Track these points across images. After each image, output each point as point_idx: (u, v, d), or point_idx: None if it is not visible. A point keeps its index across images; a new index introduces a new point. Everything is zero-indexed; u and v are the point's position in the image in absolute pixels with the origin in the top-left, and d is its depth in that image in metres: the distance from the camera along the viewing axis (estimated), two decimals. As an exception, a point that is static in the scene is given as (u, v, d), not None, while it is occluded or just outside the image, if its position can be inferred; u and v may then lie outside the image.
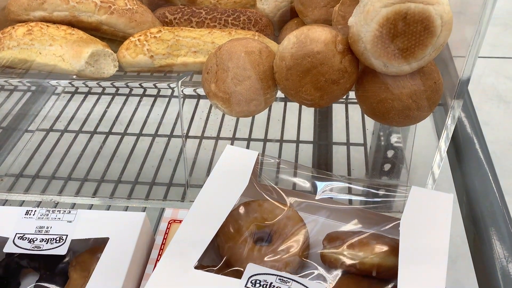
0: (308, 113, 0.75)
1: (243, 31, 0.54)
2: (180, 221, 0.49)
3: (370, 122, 0.73)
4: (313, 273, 0.40)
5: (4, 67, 0.54)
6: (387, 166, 0.69)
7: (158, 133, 0.72)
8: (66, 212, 0.47)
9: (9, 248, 0.44)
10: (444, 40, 0.42)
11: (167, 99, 0.77)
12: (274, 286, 0.36)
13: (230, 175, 0.46)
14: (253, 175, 0.46)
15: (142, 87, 0.55)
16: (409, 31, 0.40)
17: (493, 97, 1.36)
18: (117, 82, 0.55)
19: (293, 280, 0.37)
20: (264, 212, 0.45)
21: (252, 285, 0.36)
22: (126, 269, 0.42)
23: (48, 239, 0.45)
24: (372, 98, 0.46)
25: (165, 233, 0.48)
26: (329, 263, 0.41)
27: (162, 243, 0.47)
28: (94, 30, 0.55)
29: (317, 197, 0.46)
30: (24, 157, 0.69)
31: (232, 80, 0.46)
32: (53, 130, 0.73)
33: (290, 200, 0.47)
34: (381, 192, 0.46)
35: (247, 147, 0.69)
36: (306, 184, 0.48)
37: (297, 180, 0.48)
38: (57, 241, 0.45)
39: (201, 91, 0.51)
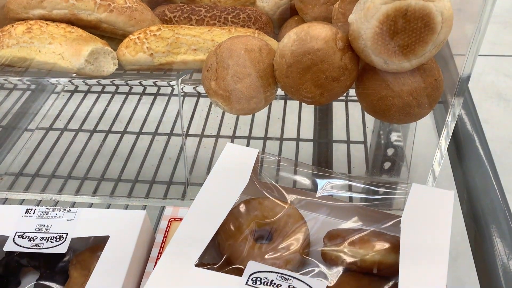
0: (308, 111, 0.75)
1: (243, 29, 0.54)
2: (181, 219, 0.49)
3: (370, 120, 0.73)
4: (314, 270, 0.40)
5: (4, 66, 0.54)
6: (387, 164, 0.69)
7: (158, 132, 0.72)
8: (66, 211, 0.47)
9: (9, 247, 0.44)
10: (445, 37, 0.41)
11: (166, 97, 0.77)
12: (275, 283, 0.36)
13: (230, 173, 0.46)
14: (253, 173, 0.46)
15: (142, 85, 0.55)
16: (409, 28, 0.40)
17: (493, 95, 1.36)
18: (116, 80, 0.55)
19: (294, 277, 0.37)
20: (264, 210, 0.45)
21: (253, 283, 0.36)
22: (126, 268, 0.42)
23: (48, 237, 0.45)
24: (372, 96, 0.46)
25: (166, 231, 0.48)
26: (330, 261, 0.41)
27: (162, 241, 0.47)
28: (93, 28, 0.55)
29: (317, 195, 0.46)
30: (24, 156, 0.69)
31: (232, 77, 0.46)
32: (53, 129, 0.73)
33: (290, 198, 0.47)
34: (381, 190, 0.46)
35: (247, 145, 0.69)
36: (307, 182, 0.47)
37: (297, 177, 0.48)
38: (57, 240, 0.45)
39: (201, 89, 0.51)
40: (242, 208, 0.45)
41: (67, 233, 0.45)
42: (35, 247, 0.44)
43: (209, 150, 0.69)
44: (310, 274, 0.40)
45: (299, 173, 0.48)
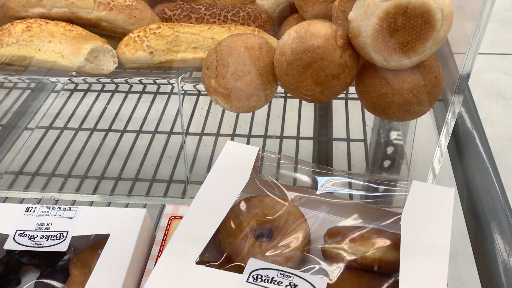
0: (308, 110, 0.75)
1: (243, 27, 0.54)
2: (181, 218, 0.49)
3: (370, 118, 0.73)
4: (315, 267, 0.40)
5: (3, 64, 0.54)
6: (387, 162, 0.69)
7: (158, 130, 0.72)
8: (66, 209, 0.47)
9: (9, 245, 0.44)
10: (445, 34, 0.41)
11: (166, 96, 0.77)
12: (275, 281, 0.36)
13: (230, 171, 0.45)
14: (254, 170, 0.46)
15: (141, 83, 0.55)
16: (409, 25, 0.40)
17: (492, 93, 1.36)
18: (116, 78, 0.54)
19: (294, 274, 0.37)
20: (265, 208, 0.45)
21: (253, 280, 0.36)
22: (127, 266, 0.42)
23: (49, 236, 0.45)
24: (372, 93, 0.46)
25: (166, 229, 0.48)
26: (331, 258, 0.41)
27: (163, 240, 0.47)
28: (93, 27, 0.55)
29: (318, 192, 0.46)
30: (24, 154, 0.69)
31: (232, 75, 0.46)
32: (53, 128, 0.73)
33: (291, 195, 0.47)
34: (382, 187, 0.46)
35: (247, 143, 0.69)
36: (307, 179, 0.47)
37: (297, 175, 0.48)
38: (58, 238, 0.45)
39: (201, 87, 0.51)
40: (243, 206, 0.45)
41: (68, 232, 0.45)
42: (36, 246, 0.44)
43: (209, 148, 0.69)
44: (311, 271, 0.40)
45: (300, 170, 0.48)
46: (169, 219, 0.49)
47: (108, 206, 0.61)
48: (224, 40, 0.47)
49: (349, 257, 0.40)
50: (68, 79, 0.55)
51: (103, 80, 0.54)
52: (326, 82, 0.45)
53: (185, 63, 0.53)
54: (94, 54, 0.51)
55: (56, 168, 0.66)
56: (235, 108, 0.49)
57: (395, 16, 0.40)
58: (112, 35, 0.56)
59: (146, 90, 0.77)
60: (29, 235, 0.45)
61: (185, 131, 0.59)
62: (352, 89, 0.49)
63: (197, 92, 0.54)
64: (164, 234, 0.48)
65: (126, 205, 0.61)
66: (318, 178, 0.47)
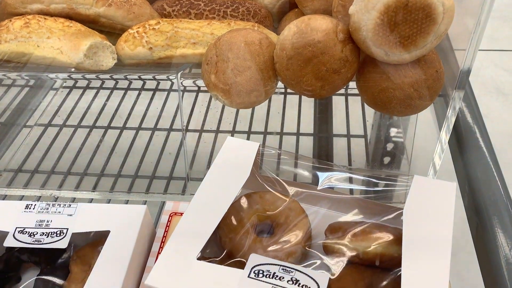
0: (308, 106, 0.75)
1: (243, 22, 0.54)
2: (181, 214, 0.49)
3: (370, 114, 0.72)
4: (316, 263, 0.40)
5: (2, 61, 0.54)
6: (387, 158, 0.69)
7: (157, 127, 0.72)
8: (66, 206, 0.47)
9: (9, 242, 0.44)
10: (446, 27, 0.41)
11: (166, 92, 0.76)
12: (277, 276, 0.36)
13: (231, 167, 0.45)
14: (254, 166, 0.46)
15: (141, 79, 0.55)
16: (410, 18, 0.40)
17: (492, 90, 1.36)
18: (116, 74, 0.54)
19: (296, 270, 0.36)
20: (265, 204, 0.45)
21: (255, 275, 0.36)
22: (127, 262, 0.42)
23: (49, 233, 0.45)
24: (373, 88, 0.46)
25: (166, 225, 0.48)
26: (332, 254, 0.41)
27: (163, 236, 0.47)
28: (92, 23, 0.55)
29: (319, 188, 0.46)
30: (23, 152, 0.69)
31: (232, 71, 0.46)
32: (52, 125, 0.73)
33: (291, 191, 0.46)
34: (383, 182, 0.46)
35: (247, 140, 0.69)
36: (308, 175, 0.47)
37: (298, 170, 0.48)
38: (58, 235, 0.45)
39: (200, 83, 0.51)
40: (243, 201, 0.45)
41: (68, 228, 0.45)
42: (36, 243, 0.44)
43: (209, 145, 0.68)
44: (313, 267, 0.39)
45: (300, 166, 0.48)
46: (170, 216, 0.49)
47: (108, 203, 0.60)
48: (224, 35, 0.47)
49: (350, 252, 0.40)
50: (67, 76, 0.55)
51: (102, 76, 0.54)
52: (327, 77, 0.44)
53: (185, 58, 0.52)
54: (93, 50, 0.51)
55: (56, 165, 0.66)
56: (235, 104, 0.48)
57: (396, 10, 0.40)
58: (111, 31, 0.56)
59: (145, 87, 0.77)
60: (29, 232, 0.45)
61: (185, 127, 0.59)
62: (352, 85, 0.49)
63: (196, 89, 0.54)
64: (165, 231, 0.48)
65: (126, 202, 0.61)
66: (319, 174, 0.47)
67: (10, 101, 0.75)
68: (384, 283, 0.39)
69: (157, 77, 0.55)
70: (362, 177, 0.46)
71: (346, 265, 0.39)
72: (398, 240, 0.39)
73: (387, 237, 0.40)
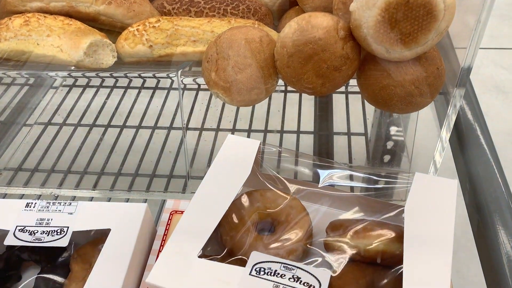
0: (308, 104, 0.75)
1: (243, 20, 0.54)
2: (182, 212, 0.49)
3: (370, 112, 0.72)
4: (317, 260, 0.40)
5: (2, 60, 0.54)
6: (387, 157, 0.69)
7: (157, 125, 0.72)
8: (66, 204, 0.47)
9: (9, 241, 0.44)
10: (447, 24, 0.41)
11: (165, 91, 0.76)
12: (278, 273, 0.36)
13: (232, 165, 0.45)
14: (255, 164, 0.46)
15: (141, 77, 0.55)
16: (411, 15, 0.40)
17: (491, 88, 1.36)
18: (116, 72, 0.54)
19: (297, 267, 0.36)
20: (266, 202, 0.45)
21: (256, 273, 0.36)
22: (128, 260, 0.42)
23: (49, 231, 0.45)
24: (374, 85, 0.46)
25: (167, 223, 0.48)
26: (333, 251, 0.41)
27: (164, 234, 0.47)
28: (92, 21, 0.55)
29: (320, 186, 0.46)
30: (23, 150, 0.68)
31: (232, 68, 0.46)
32: (52, 124, 0.73)
33: (292, 189, 0.46)
34: (384, 180, 0.46)
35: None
36: (308, 172, 0.47)
37: (299, 168, 0.48)
38: (58, 233, 0.44)
39: (200, 81, 0.51)
40: (244, 199, 0.45)
41: (68, 227, 0.45)
42: (36, 241, 0.44)
43: (209, 143, 0.68)
44: (314, 264, 0.39)
45: (301, 163, 0.48)
46: (170, 214, 0.49)
47: (108, 201, 0.60)
48: (224, 33, 0.47)
49: (352, 250, 0.40)
50: (67, 74, 0.55)
51: (102, 74, 0.53)
52: (328, 74, 0.44)
53: (185, 56, 0.52)
54: (93, 48, 0.51)
55: (56, 164, 0.66)
56: (235, 102, 0.48)
57: (397, 7, 0.40)
58: (111, 29, 0.56)
59: (145, 85, 0.77)
60: (29, 230, 0.45)
61: (185, 125, 0.59)
62: (352, 82, 0.49)
63: (196, 87, 0.54)
64: (166, 229, 0.48)
65: (127, 201, 0.61)
66: (320, 171, 0.46)
67: (10, 100, 0.75)
68: (386, 280, 0.39)
69: (157, 75, 0.55)
70: (363, 175, 0.46)
71: (348, 262, 0.39)
72: (399, 237, 0.39)
73: (389, 234, 0.40)
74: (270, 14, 0.57)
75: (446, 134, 0.51)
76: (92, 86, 0.77)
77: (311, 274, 0.36)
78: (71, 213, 0.46)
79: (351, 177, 0.46)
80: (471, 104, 0.57)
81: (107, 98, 0.75)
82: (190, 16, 0.56)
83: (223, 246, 0.42)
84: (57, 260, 0.46)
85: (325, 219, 0.44)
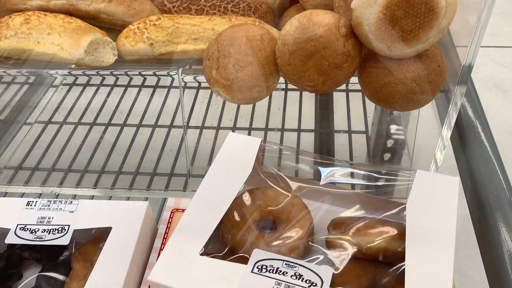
0: (309, 103, 0.75)
1: (243, 18, 0.53)
2: (183, 210, 0.49)
3: (371, 110, 0.72)
4: (319, 258, 0.39)
5: (2, 58, 0.53)
6: (388, 155, 0.69)
7: (158, 124, 0.72)
8: (68, 203, 0.47)
9: (10, 239, 0.44)
10: (449, 21, 0.41)
11: (166, 89, 0.76)
12: (280, 271, 0.36)
13: (233, 163, 0.45)
14: (256, 162, 0.46)
15: (141, 75, 0.55)
16: (413, 12, 0.40)
17: (491, 86, 1.36)
18: (116, 70, 0.54)
19: (299, 265, 0.36)
20: (268, 199, 0.45)
21: (258, 270, 0.36)
22: (129, 259, 0.42)
23: (50, 229, 0.45)
24: (375, 83, 0.46)
25: (168, 222, 0.48)
26: (335, 249, 0.41)
27: (165, 232, 0.47)
28: (92, 19, 0.55)
29: (321, 183, 0.46)
30: (23, 149, 0.68)
31: (233, 66, 0.46)
32: (52, 122, 0.73)
33: (294, 186, 0.46)
34: (385, 177, 0.46)
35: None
36: (310, 170, 0.47)
37: (300, 166, 0.48)
38: (59, 232, 0.44)
39: (201, 79, 0.51)
40: (246, 197, 0.45)
41: (69, 225, 0.45)
42: (37, 240, 0.44)
43: (210, 141, 0.68)
44: (316, 261, 0.39)
45: (302, 161, 0.48)
46: (172, 212, 0.49)
47: (109, 200, 0.60)
48: (225, 31, 0.47)
49: (353, 248, 0.40)
50: (68, 72, 0.54)
51: (102, 72, 0.53)
52: (329, 72, 0.44)
53: (186, 54, 0.52)
54: (93, 46, 0.51)
55: (56, 162, 0.66)
56: (236, 100, 0.48)
57: (399, 4, 0.40)
58: (112, 27, 0.56)
59: (145, 84, 0.76)
60: (30, 229, 0.45)
61: (186, 124, 0.59)
62: (352, 80, 0.49)
63: (197, 85, 0.53)
64: (167, 227, 0.48)
65: (127, 199, 0.61)
66: (321, 169, 0.46)
67: (10, 98, 0.75)
68: (388, 278, 0.39)
69: (157, 73, 0.55)
70: (364, 172, 0.46)
71: (350, 260, 0.39)
72: (401, 234, 0.39)
73: (391, 231, 0.40)
74: (270, 11, 0.57)
75: (447, 132, 0.51)
76: (93, 85, 0.77)
77: (313, 272, 0.36)
78: (72, 212, 0.46)
79: (352, 175, 0.46)
80: (472, 102, 0.57)
81: (108, 96, 0.75)
82: (191, 14, 0.56)
83: (225, 244, 0.42)
84: (58, 258, 0.46)
85: (326, 216, 0.44)
